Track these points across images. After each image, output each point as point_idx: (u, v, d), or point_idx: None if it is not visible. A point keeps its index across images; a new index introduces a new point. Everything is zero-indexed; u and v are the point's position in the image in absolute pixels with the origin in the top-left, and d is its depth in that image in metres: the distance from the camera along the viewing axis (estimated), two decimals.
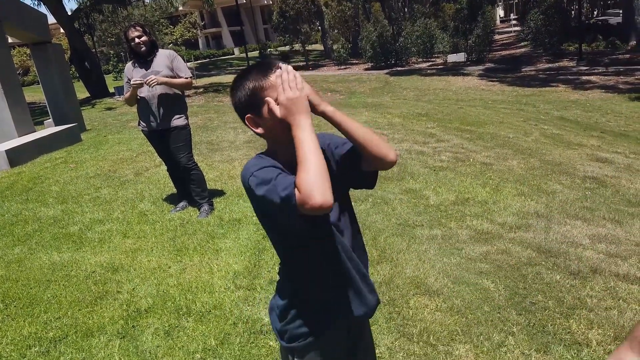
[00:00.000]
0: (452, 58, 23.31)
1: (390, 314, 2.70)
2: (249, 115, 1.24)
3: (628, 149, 6.74)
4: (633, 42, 20.91)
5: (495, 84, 17.36)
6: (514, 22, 35.53)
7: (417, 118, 9.14)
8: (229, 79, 21.78)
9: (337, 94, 16.46)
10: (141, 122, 4.36)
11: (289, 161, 1.19)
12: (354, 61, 26.95)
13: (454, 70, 20.83)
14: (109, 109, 14.19)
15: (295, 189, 1.08)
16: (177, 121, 4.30)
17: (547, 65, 20.41)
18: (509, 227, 3.84)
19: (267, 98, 1.20)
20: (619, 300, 2.75)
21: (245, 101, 1.24)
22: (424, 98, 14.78)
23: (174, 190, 4.91)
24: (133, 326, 2.74)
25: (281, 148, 1.24)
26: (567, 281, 2.97)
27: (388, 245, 3.58)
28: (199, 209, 4.51)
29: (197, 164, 4.53)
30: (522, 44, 25.92)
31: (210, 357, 2.42)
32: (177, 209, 4.65)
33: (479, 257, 3.35)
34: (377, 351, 2.39)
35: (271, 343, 2.52)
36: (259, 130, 1.25)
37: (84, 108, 13.31)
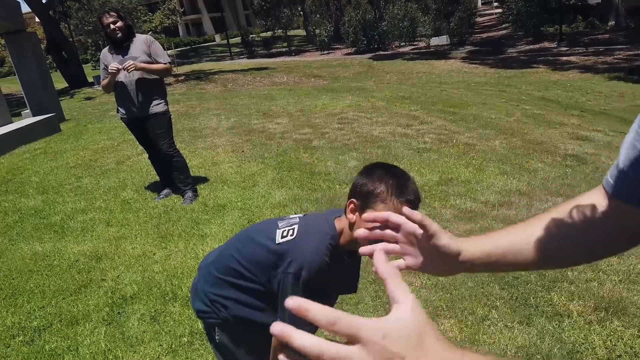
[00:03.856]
0: (435, 41, 23.32)
1: (376, 292, 2.73)
2: (355, 201, 1.25)
3: (608, 126, 6.84)
4: (612, 22, 21.13)
5: (478, 66, 17.43)
6: (495, 4, 35.61)
7: (400, 101, 9.15)
8: (210, 66, 21.57)
9: (321, 79, 16.38)
10: (120, 108, 4.28)
11: (349, 244, 1.29)
12: (337, 46, 26.80)
13: (437, 53, 20.85)
14: (89, 98, 13.94)
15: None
16: (157, 107, 4.23)
17: (528, 47, 20.54)
18: (491, 205, 3.89)
19: (373, 214, 1.23)
20: (599, 272, 2.81)
21: (365, 192, 1.23)
22: (407, 82, 14.79)
23: (157, 178, 4.86)
24: (119, 313, 2.72)
25: (351, 238, 1.28)
26: None
27: None
28: (183, 196, 4.47)
29: (178, 151, 4.48)
30: (504, 25, 26.01)
31: (197, 341, 2.42)
32: (161, 196, 4.61)
33: (463, 235, 3.38)
34: None
35: None
36: (350, 217, 1.26)
37: (62, 98, 13.05)
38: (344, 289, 1.53)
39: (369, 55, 22.30)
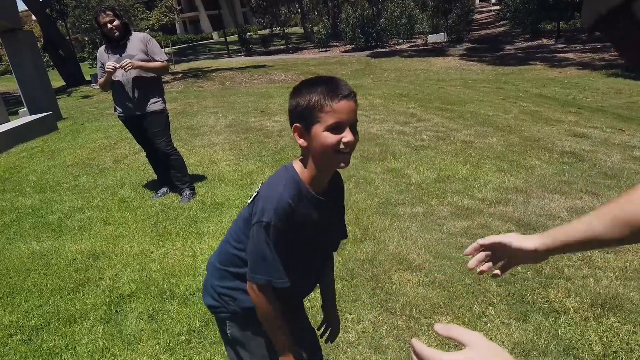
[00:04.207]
0: (433, 38, 23.31)
1: (373, 289, 2.73)
2: (297, 124, 1.23)
3: (605, 123, 6.85)
4: None
5: (475, 63, 17.44)
6: (493, 1, 35.60)
7: (398, 98, 9.15)
8: (208, 63, 21.51)
9: None
10: (117, 107, 4.28)
11: (315, 177, 1.27)
12: (335, 43, 26.76)
13: (435, 51, 20.84)
14: (86, 96, 13.90)
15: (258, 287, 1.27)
16: (154, 106, 4.22)
17: (525, 44, 20.55)
18: (489, 203, 3.89)
19: (318, 127, 1.19)
20: (595, 268, 2.82)
21: (301, 110, 1.21)
22: (405, 79, 14.79)
23: (155, 176, 4.85)
24: (116, 311, 2.73)
25: (314, 165, 1.26)
26: None
27: (371, 223, 3.61)
28: (181, 194, 4.47)
29: (176, 149, 4.48)
30: (501, 23, 26.01)
31: (195, 339, 2.42)
32: (158, 194, 4.60)
33: (460, 232, 3.40)
34: (361, 325, 2.43)
35: None
36: (301, 142, 1.24)
37: (59, 97, 13.01)
38: (329, 235, 1.44)
39: (367, 52, 22.27)
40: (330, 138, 1.18)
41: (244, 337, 1.43)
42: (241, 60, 22.74)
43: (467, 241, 3.23)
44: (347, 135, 1.18)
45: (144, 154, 4.84)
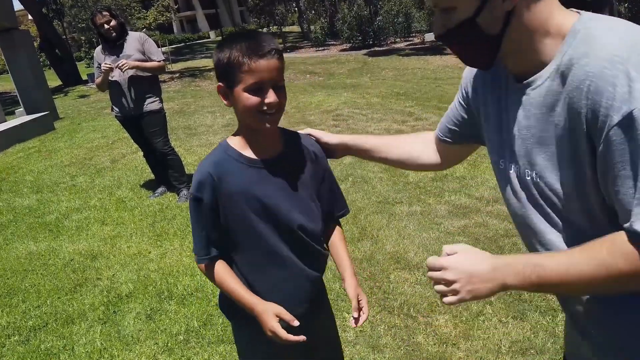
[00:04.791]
0: (430, 37, 23.31)
1: (371, 288, 2.74)
2: (220, 84, 1.17)
3: None
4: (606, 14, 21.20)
5: None
6: None
7: (395, 97, 9.15)
8: (205, 62, 21.49)
9: (316, 76, 16.36)
10: (114, 107, 4.27)
11: (250, 141, 1.22)
12: (332, 42, 26.74)
13: (432, 49, 20.85)
14: (83, 96, 13.86)
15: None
16: (151, 105, 4.22)
17: None
18: (486, 201, 3.90)
19: (239, 87, 1.12)
20: None
21: (222, 68, 1.14)
22: (402, 78, 14.79)
23: (152, 176, 4.85)
24: (114, 312, 2.73)
25: (244, 127, 1.22)
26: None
27: (368, 222, 3.61)
28: (178, 194, 4.47)
29: (173, 149, 4.47)
30: None
31: (193, 338, 2.42)
32: (156, 194, 4.60)
33: (457, 230, 3.41)
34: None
35: None
36: (227, 103, 1.19)
37: (56, 96, 12.97)
38: (290, 207, 1.22)
39: (364, 51, 22.26)
40: (251, 99, 1.11)
41: (250, 338, 1.34)
42: None
43: (464, 240, 3.24)
44: (269, 96, 1.11)
45: (141, 153, 4.83)
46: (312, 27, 27.44)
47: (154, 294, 2.87)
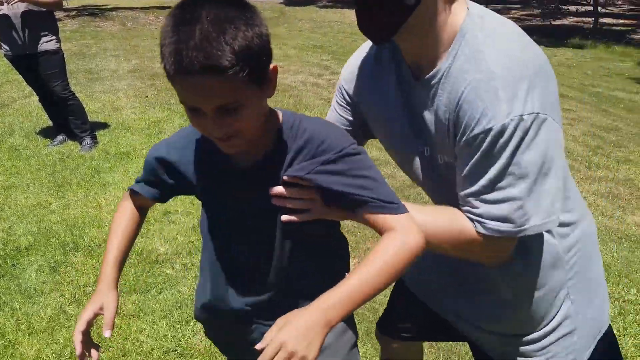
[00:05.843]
0: None
1: None
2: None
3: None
4: None
5: None
6: None
7: (312, 50, 9.11)
8: (106, 0, 19.71)
9: None
10: (3, 44, 3.83)
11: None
12: None
13: (349, 3, 20.79)
14: None
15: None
16: (47, 45, 3.84)
17: None
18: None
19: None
20: None
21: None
22: (319, 30, 14.68)
23: (50, 123, 4.48)
24: (13, 265, 2.56)
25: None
26: None
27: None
28: (81, 143, 4.18)
29: (74, 94, 4.14)
30: None
31: None
32: (55, 143, 4.27)
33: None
34: None
35: (168, 271, 2.52)
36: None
37: None
38: (250, 216, 0.93)
39: (281, 0, 21.66)
40: (191, 120, 0.80)
41: None
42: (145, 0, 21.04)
43: None
44: (208, 126, 0.77)
45: (35, 98, 4.43)
46: None
47: (58, 245, 2.73)
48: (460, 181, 0.89)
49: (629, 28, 14.67)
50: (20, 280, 2.43)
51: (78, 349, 0.88)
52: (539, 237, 0.97)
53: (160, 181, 0.99)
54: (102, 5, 17.78)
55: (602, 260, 2.68)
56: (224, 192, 0.94)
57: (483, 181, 0.85)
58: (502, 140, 0.81)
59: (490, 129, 0.80)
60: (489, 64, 0.83)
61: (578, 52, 11.92)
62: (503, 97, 0.80)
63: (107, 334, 0.89)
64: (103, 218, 3.04)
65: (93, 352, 0.92)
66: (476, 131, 0.82)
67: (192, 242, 2.79)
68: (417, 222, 0.85)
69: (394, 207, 0.85)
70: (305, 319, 0.75)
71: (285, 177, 0.87)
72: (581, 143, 4.92)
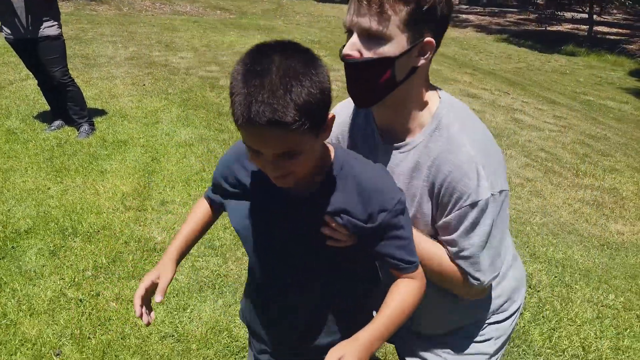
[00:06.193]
0: None
1: None
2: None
3: (494, 86, 7.51)
4: None
5: None
6: None
7: (309, 45, 9.08)
8: None
9: (227, 12, 15.64)
10: (4, 27, 3.84)
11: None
12: None
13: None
14: None
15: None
16: (49, 30, 3.85)
17: None
18: None
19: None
20: None
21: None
22: (316, 24, 14.69)
23: (47, 107, 4.49)
24: (13, 247, 2.61)
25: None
26: None
27: None
28: (78, 129, 4.21)
29: (73, 80, 4.16)
30: None
31: (102, 274, 2.43)
32: (52, 127, 4.29)
33: None
34: None
35: None
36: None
37: None
38: (286, 242, 1.02)
39: None
40: (251, 158, 0.87)
41: None
42: None
43: None
44: (267, 167, 0.86)
45: (32, 81, 4.44)
46: None
47: (57, 230, 2.78)
48: (443, 231, 1.04)
49: (623, 37, 14.89)
50: (21, 262, 2.48)
51: (137, 311, 1.03)
52: None
53: (223, 190, 1.09)
54: None
55: (584, 266, 2.83)
56: (273, 214, 1.02)
57: (474, 241, 1.01)
58: (486, 210, 0.98)
59: (477, 202, 0.96)
60: (466, 149, 0.97)
61: (571, 59, 12.09)
62: (484, 175, 0.96)
63: (157, 298, 1.00)
64: (101, 205, 3.09)
65: (151, 315, 1.06)
66: (466, 203, 0.97)
67: None
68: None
69: (415, 265, 1.00)
70: (358, 346, 0.90)
71: (339, 220, 0.96)
72: (570, 150, 5.05)
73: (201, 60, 7.14)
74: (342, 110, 1.19)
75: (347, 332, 0.97)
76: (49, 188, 3.29)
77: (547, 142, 5.18)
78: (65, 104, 4.18)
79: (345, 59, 0.93)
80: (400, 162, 1.05)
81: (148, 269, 2.50)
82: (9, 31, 3.81)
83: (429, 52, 0.95)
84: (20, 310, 2.16)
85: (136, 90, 5.47)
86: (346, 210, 0.94)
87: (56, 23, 3.91)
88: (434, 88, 1.05)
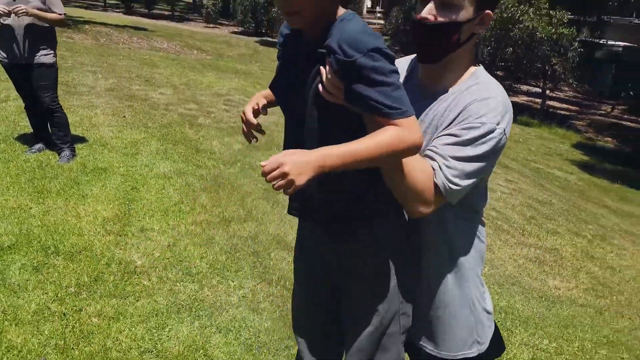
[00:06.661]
0: None
1: (254, 263, 3.12)
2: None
3: None
4: None
5: None
6: (379, 14, 37.63)
7: None
8: (79, 13, 19.73)
9: (205, 53, 16.08)
10: (1, 51, 4.02)
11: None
12: (224, 22, 26.29)
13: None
14: None
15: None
16: (45, 58, 4.06)
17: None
18: None
19: None
20: None
21: None
22: None
23: (27, 129, 4.61)
24: None
25: None
26: None
27: (254, 206, 3.98)
28: (59, 154, 4.34)
29: (61, 106, 4.33)
30: (384, 38, 27.90)
31: (84, 292, 2.56)
32: (33, 150, 4.41)
33: None
34: (242, 291, 2.81)
35: (145, 282, 2.75)
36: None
37: None
38: (294, 95, 1.21)
39: (256, 38, 22.32)
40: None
41: None
42: (118, 17, 21.16)
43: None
44: (278, 3, 1.12)
45: (12, 102, 4.58)
46: (204, 1, 26.63)
47: (39, 248, 2.90)
48: (441, 140, 1.17)
49: (572, 113, 16.23)
50: (5, 276, 2.59)
51: (250, 116, 1.35)
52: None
53: (280, 47, 1.34)
54: (76, 17, 17.75)
55: (524, 314, 3.23)
56: (291, 58, 1.27)
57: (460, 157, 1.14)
58: (487, 137, 1.13)
59: (489, 127, 1.13)
60: (500, 100, 1.17)
61: (525, 129, 13.06)
62: (499, 112, 1.15)
63: (263, 111, 1.38)
64: (82, 227, 3.23)
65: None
66: (480, 121, 1.13)
67: (168, 258, 3.03)
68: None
69: (400, 111, 1.04)
70: (307, 155, 1.01)
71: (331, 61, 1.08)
72: (518, 212, 5.54)
73: (180, 97, 7.40)
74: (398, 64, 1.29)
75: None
76: (30, 208, 3.40)
77: (499, 203, 5.65)
78: (49, 129, 4.32)
79: (422, 21, 1.17)
80: (435, 106, 1.22)
81: (129, 289, 2.66)
82: (4, 55, 3.99)
83: (486, 23, 1.19)
84: (6, 319, 2.27)
85: (116, 121, 5.65)
86: (329, 46, 1.06)
87: (52, 52, 4.13)
88: (477, 58, 1.27)
